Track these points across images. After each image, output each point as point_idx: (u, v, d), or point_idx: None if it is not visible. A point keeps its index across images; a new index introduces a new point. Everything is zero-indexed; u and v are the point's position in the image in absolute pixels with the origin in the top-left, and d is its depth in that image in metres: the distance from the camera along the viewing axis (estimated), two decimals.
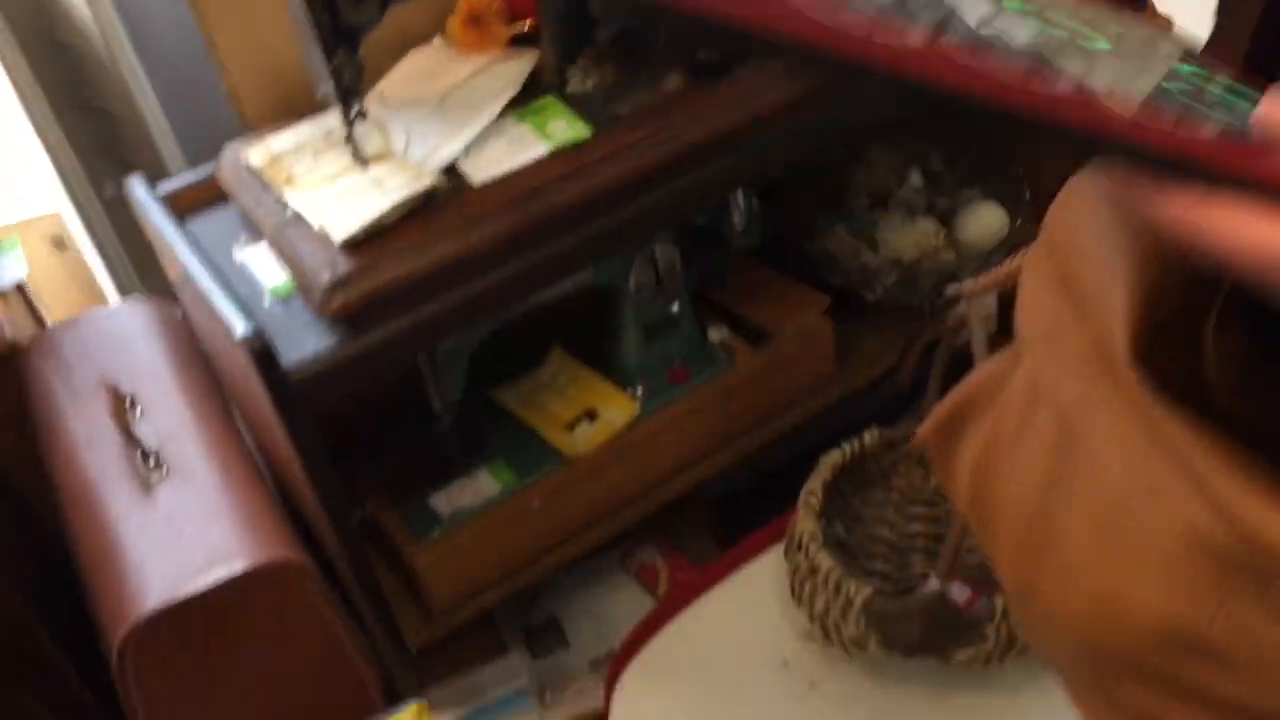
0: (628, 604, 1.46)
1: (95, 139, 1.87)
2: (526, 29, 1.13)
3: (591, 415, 1.28)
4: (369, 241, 0.96)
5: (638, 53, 1.07)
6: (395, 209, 0.96)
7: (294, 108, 1.12)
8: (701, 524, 1.52)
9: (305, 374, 0.93)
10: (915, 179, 1.53)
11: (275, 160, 1.04)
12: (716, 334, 1.35)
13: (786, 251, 1.44)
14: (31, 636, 1.17)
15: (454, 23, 1.13)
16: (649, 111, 1.05)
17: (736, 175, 1.10)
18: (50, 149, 1.82)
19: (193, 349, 1.39)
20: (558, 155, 1.02)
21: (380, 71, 1.15)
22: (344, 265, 0.94)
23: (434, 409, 1.22)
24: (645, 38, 1.05)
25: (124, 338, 1.38)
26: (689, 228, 1.25)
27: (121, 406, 1.23)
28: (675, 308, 1.29)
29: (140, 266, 1.98)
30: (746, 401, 1.34)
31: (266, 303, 1.00)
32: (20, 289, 1.50)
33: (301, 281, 0.97)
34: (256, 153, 1.06)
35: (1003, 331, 0.80)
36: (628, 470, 1.27)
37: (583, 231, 1.01)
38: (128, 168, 1.90)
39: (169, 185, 1.12)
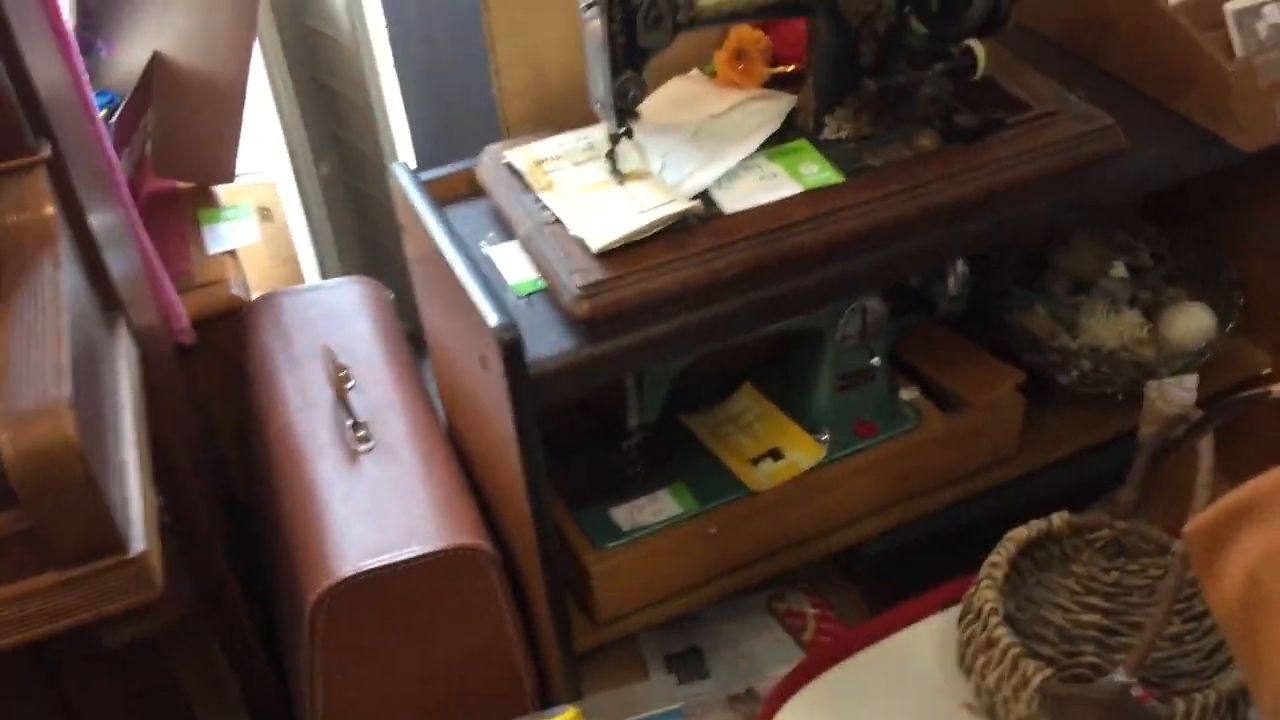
0: (771, 645, 1.46)
1: (323, 118, 1.97)
2: (788, 71, 1.16)
3: (776, 454, 1.30)
4: (622, 253, 0.99)
5: (896, 107, 1.09)
6: (651, 226, 1.00)
7: (551, 119, 1.17)
8: (852, 579, 1.52)
9: (543, 370, 0.97)
10: (1120, 269, 1.52)
11: (537, 164, 1.09)
12: (908, 393, 1.36)
13: (985, 323, 1.44)
14: (227, 589, 1.22)
15: (720, 55, 1.17)
16: (900, 166, 1.07)
17: (972, 242, 1.11)
18: (282, 121, 1.92)
19: (401, 333, 1.45)
20: (809, 196, 1.05)
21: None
22: (597, 273, 0.98)
23: (628, 424, 1.26)
24: (909, 94, 1.07)
25: (341, 312, 1.44)
26: (901, 285, 1.27)
27: (338, 375, 1.29)
28: (874, 361, 1.31)
29: (341, 245, 2.06)
30: (927, 464, 1.35)
31: (509, 299, 1.04)
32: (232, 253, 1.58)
33: (552, 282, 1.01)
34: (519, 155, 1.11)
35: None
36: (804, 512, 1.29)
37: (823, 274, 1.03)
38: (350, 150, 1.99)
39: (427, 174, 1.18)
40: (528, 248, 1.05)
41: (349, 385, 1.30)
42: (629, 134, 1.03)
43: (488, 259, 1.09)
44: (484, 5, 1.12)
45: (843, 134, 1.10)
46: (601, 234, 1.00)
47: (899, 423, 1.34)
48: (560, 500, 1.25)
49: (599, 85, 1.00)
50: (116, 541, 0.82)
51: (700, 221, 1.02)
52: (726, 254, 1.00)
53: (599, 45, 0.97)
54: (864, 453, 1.31)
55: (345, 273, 2.03)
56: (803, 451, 1.30)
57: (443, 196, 1.17)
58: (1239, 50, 1.14)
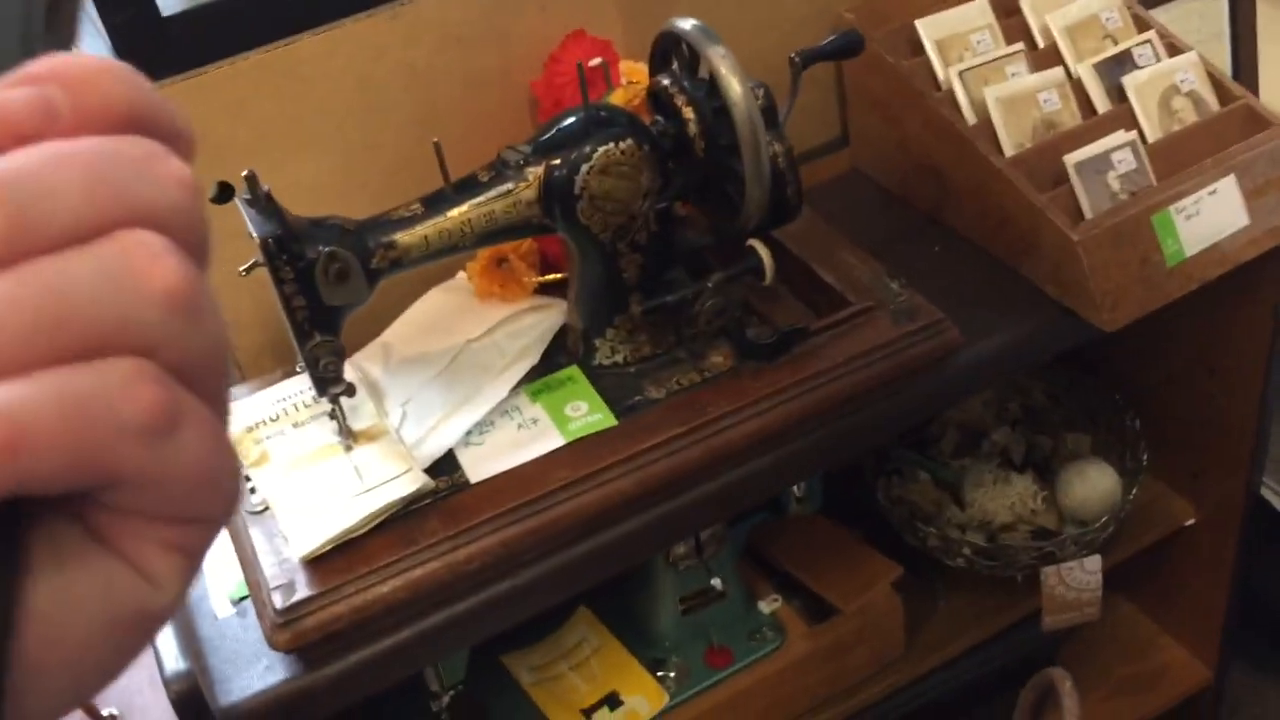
0: None
1: None
2: (559, 277, 0.98)
3: (613, 701, 1.10)
4: (336, 555, 0.80)
5: (678, 322, 0.91)
6: (369, 519, 0.81)
7: (291, 354, 0.98)
8: None
9: (242, 714, 0.78)
10: (1005, 435, 1.33)
11: (249, 431, 0.90)
12: (767, 606, 1.17)
13: (858, 499, 1.26)
14: None
15: (474, 267, 0.98)
16: (686, 397, 0.89)
17: (787, 473, 0.93)
18: None
19: None
20: (573, 450, 0.86)
21: (395, 307, 1.01)
22: (302, 587, 0.79)
23: (429, 687, 1.06)
24: (688, 310, 0.89)
25: None
26: None
27: None
28: (715, 582, 1.12)
29: None
30: (797, 688, 1.15)
31: (223, 605, 0.85)
32: None
33: (255, 595, 0.82)
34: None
35: None
36: None
37: (594, 542, 0.85)
38: None
39: None
40: (234, 541, 0.86)
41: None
42: (349, 394, 0.84)
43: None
44: None
45: (618, 358, 0.91)
46: (309, 534, 0.80)
47: (758, 645, 1.14)
48: None
49: (296, 350, 0.81)
50: None
51: (438, 499, 0.83)
52: (468, 541, 0.81)
53: (281, 308, 0.78)
54: (718, 686, 1.12)
55: None
56: (644, 696, 1.10)
57: None
58: (1088, 211, 0.96)
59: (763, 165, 0.82)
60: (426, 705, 1.09)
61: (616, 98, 0.95)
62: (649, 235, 0.87)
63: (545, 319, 0.96)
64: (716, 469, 0.87)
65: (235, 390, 0.96)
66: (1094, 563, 1.19)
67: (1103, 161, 0.97)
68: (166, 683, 0.76)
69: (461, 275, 1.03)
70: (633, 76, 0.98)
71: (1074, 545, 1.21)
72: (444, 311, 0.99)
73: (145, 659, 0.84)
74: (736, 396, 0.88)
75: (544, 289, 0.99)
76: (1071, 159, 0.96)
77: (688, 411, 0.87)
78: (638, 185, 0.84)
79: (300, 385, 0.94)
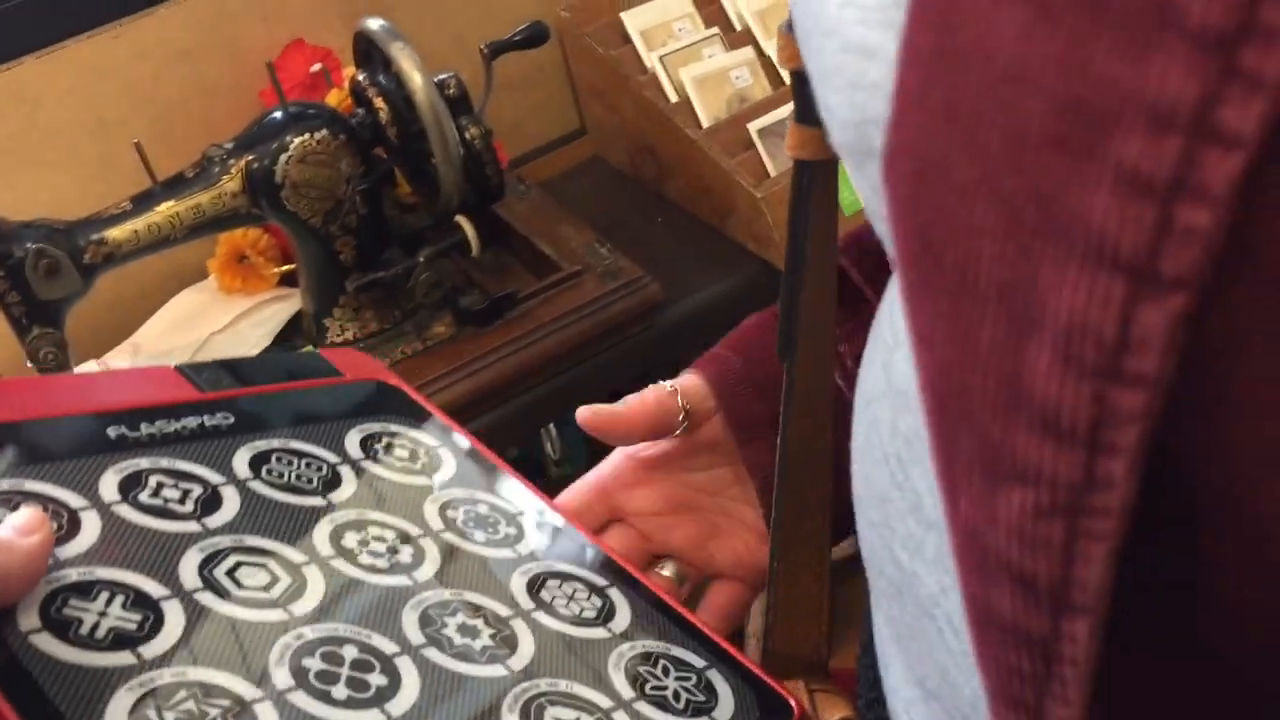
0: None
1: None
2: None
3: None
4: None
5: (400, 297, 0.99)
6: None
7: None
8: None
9: None
10: None
11: None
12: None
13: None
14: None
15: (214, 263, 1.05)
16: (410, 364, 0.97)
17: (516, 430, 1.01)
18: None
19: None
20: None
21: (149, 311, 1.07)
22: None
23: None
24: (403, 284, 0.97)
25: None
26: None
27: None
28: None
29: None
30: None
31: None
32: None
33: None
34: None
35: None
36: None
37: None
38: None
39: None
40: None
41: None
42: None
43: None
44: None
45: (348, 335, 0.99)
46: None
47: None
48: None
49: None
50: None
51: None
52: None
53: None
54: None
55: None
56: None
57: None
58: (773, 170, 1.06)
59: (450, 148, 0.91)
60: None
61: (332, 98, 1.03)
62: (359, 218, 0.95)
63: (284, 307, 1.03)
64: None
65: None
66: None
67: (783, 126, 1.07)
68: None
69: (210, 276, 1.10)
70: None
71: None
72: (191, 309, 1.06)
73: None
74: (452, 359, 0.96)
75: (285, 280, 1.06)
76: (754, 125, 1.06)
77: (407, 378, 0.94)
78: (337, 171, 0.92)
79: None
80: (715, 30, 1.16)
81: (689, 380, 0.55)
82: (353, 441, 0.46)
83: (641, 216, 1.19)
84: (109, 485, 0.38)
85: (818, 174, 0.46)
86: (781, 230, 1.05)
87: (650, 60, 1.15)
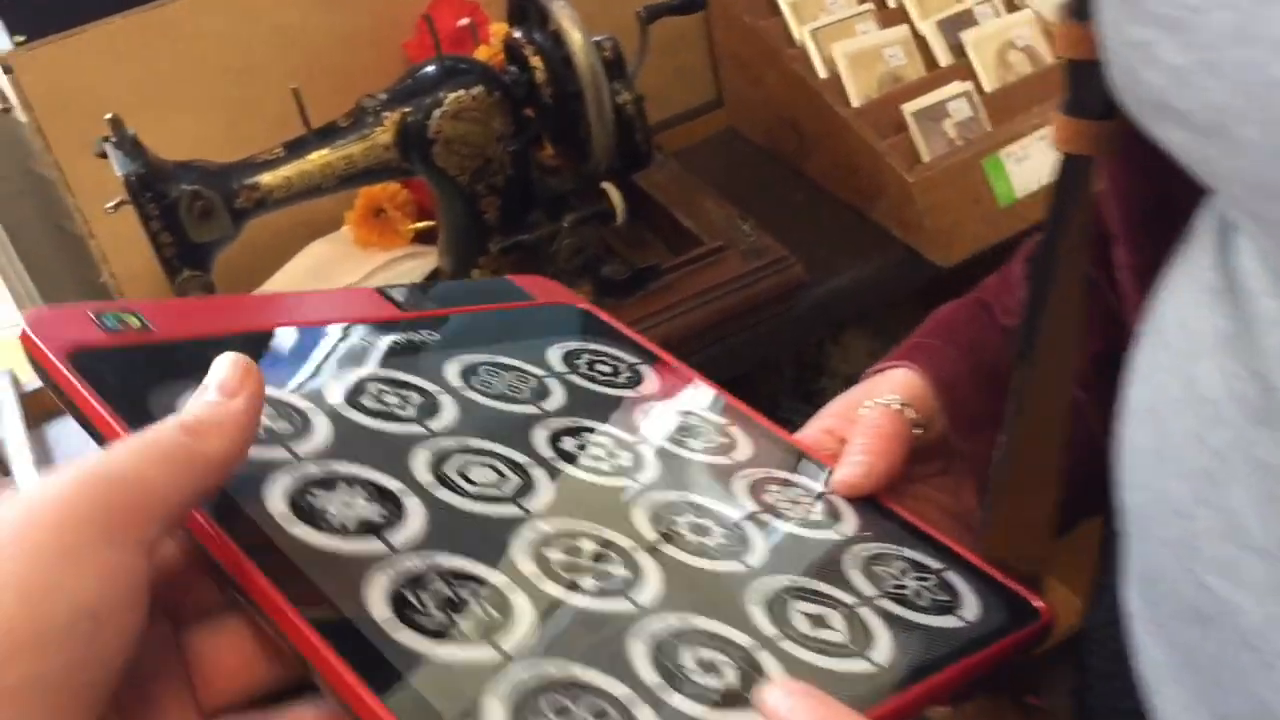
0: None
1: (75, 264, 1.82)
2: (435, 225, 1.03)
3: None
4: None
5: (541, 262, 0.97)
6: None
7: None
8: None
9: None
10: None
11: None
12: None
13: None
14: None
15: (351, 216, 1.04)
16: None
17: None
18: (6, 278, 1.76)
19: None
20: None
21: (281, 260, 1.06)
22: None
23: None
24: (545, 248, 0.95)
25: None
26: None
27: None
28: None
29: None
30: None
31: None
32: None
33: None
34: None
35: None
36: None
37: None
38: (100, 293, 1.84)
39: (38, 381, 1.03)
40: None
41: None
42: None
43: None
44: (68, 192, 0.98)
45: None
46: None
47: None
48: None
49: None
50: None
51: None
52: None
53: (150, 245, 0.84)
54: None
55: None
56: None
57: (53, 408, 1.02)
58: (925, 155, 1.03)
59: (605, 111, 0.89)
60: None
61: (481, 54, 1.01)
62: (506, 178, 0.93)
63: (420, 264, 1.02)
64: None
65: None
66: None
67: (939, 110, 1.03)
68: None
69: (345, 228, 1.08)
70: (501, 36, 1.04)
71: None
72: (324, 260, 1.05)
73: None
74: None
75: (420, 237, 1.05)
76: (909, 108, 1.03)
77: None
78: (490, 129, 0.90)
79: None
80: (869, 5, 1.12)
81: (904, 383, 0.52)
82: (555, 356, 0.47)
83: (777, 193, 1.15)
84: (333, 391, 0.39)
85: (1084, 168, 0.43)
86: (931, 218, 1.01)
87: (800, 33, 1.11)
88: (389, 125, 0.88)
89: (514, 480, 0.38)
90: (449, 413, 0.41)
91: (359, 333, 0.43)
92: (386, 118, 0.88)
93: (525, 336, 0.48)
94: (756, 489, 0.43)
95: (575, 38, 0.88)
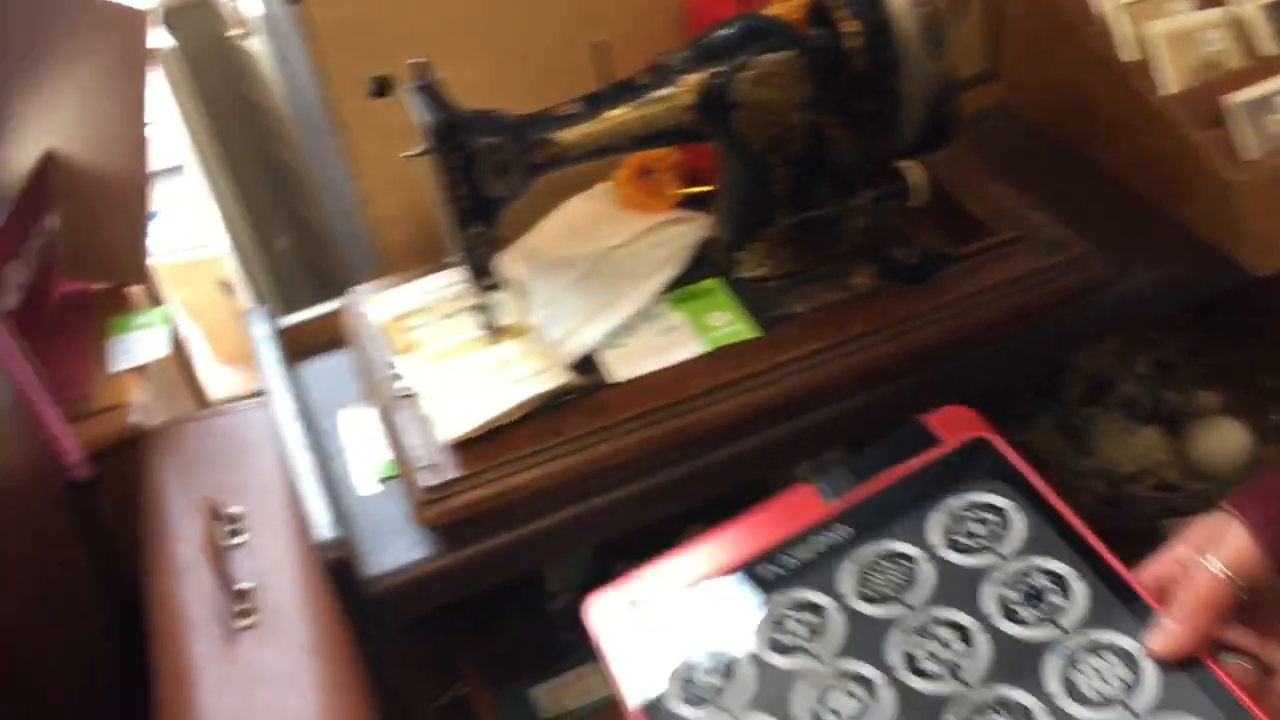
0: None
1: (279, 192, 1.84)
2: (707, 190, 0.99)
3: None
4: (481, 441, 0.83)
5: (824, 240, 0.91)
6: (515, 410, 0.83)
7: (439, 248, 1.01)
8: None
9: (383, 587, 0.81)
10: (1142, 367, 1.31)
11: (398, 319, 0.93)
12: None
13: None
14: None
15: (621, 174, 1.00)
16: (828, 314, 0.89)
17: (924, 398, 0.93)
18: (218, 197, 1.79)
19: None
20: (714, 358, 0.87)
21: (534, 214, 1.03)
22: (449, 469, 0.82)
23: (548, 588, 1.10)
24: (835, 227, 0.89)
25: (247, 445, 1.30)
26: None
27: (217, 536, 1.14)
28: None
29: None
30: None
31: (369, 482, 0.89)
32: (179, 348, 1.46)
33: (403, 473, 0.85)
34: (379, 306, 0.95)
35: None
36: None
37: (730, 450, 0.86)
38: (307, 224, 1.86)
39: (293, 319, 1.02)
40: (383, 423, 0.89)
41: (238, 540, 1.15)
42: (495, 288, 0.87)
43: (350, 430, 0.94)
44: (338, 130, 0.96)
45: (762, 271, 0.92)
46: (455, 419, 0.83)
47: None
48: (485, 673, 1.10)
49: (450, 239, 0.84)
50: None
51: (580, 396, 0.85)
52: (610, 437, 0.83)
53: (440, 196, 0.81)
54: None
55: None
56: None
57: (311, 345, 1.01)
58: (1250, 152, 0.94)
59: (923, 84, 0.82)
60: (542, 605, 1.12)
61: (774, 10, 0.95)
62: (801, 149, 0.87)
63: (689, 231, 0.97)
64: (852, 388, 0.88)
65: (383, 282, 0.99)
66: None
67: (1266, 104, 0.94)
68: (318, 549, 0.80)
69: (600, 185, 1.04)
70: None
71: (1199, 500, 1.19)
72: (585, 218, 1.01)
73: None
74: (879, 316, 0.88)
75: (686, 202, 1.00)
76: (1233, 99, 0.94)
77: (830, 328, 0.88)
78: (794, 97, 0.85)
79: (446, 280, 0.97)
80: None
81: (1237, 548, 0.52)
82: (938, 527, 0.56)
83: (1054, 176, 1.07)
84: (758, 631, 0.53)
85: None
86: (1252, 220, 0.92)
87: (1103, 8, 1.02)
88: (690, 86, 0.83)
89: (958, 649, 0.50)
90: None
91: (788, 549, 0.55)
92: (688, 78, 0.84)
93: (924, 499, 0.56)
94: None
95: (899, 2, 0.82)
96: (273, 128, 1.71)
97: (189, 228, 2.00)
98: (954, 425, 0.60)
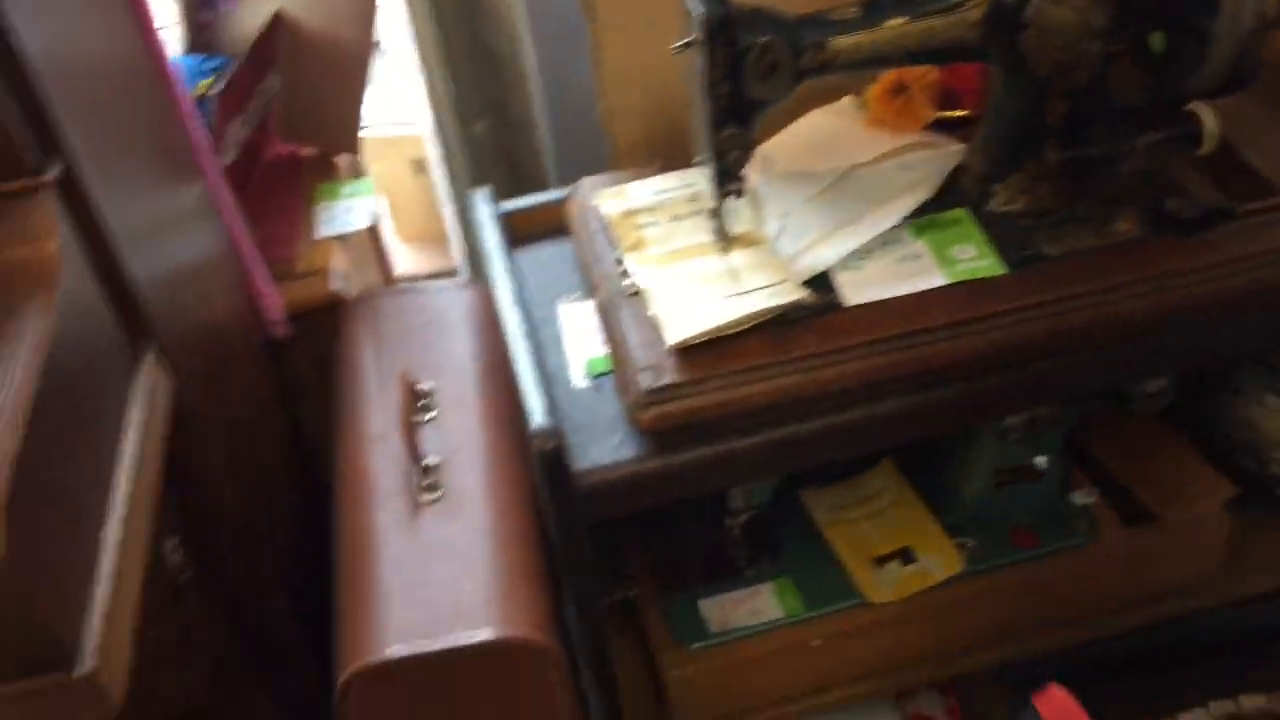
0: None
1: (481, 77, 1.83)
2: (960, 115, 0.93)
3: (907, 556, 1.09)
4: (705, 349, 0.80)
5: (1088, 180, 0.85)
6: (744, 320, 0.80)
7: (669, 149, 0.98)
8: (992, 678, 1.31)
9: (592, 482, 0.80)
10: None
11: (628, 215, 0.90)
12: (1082, 498, 1.12)
13: (1197, 408, 1.18)
14: (286, 634, 1.12)
15: (874, 89, 0.94)
16: (1084, 259, 0.84)
17: (1166, 362, 0.87)
18: (427, 77, 1.78)
19: (504, 349, 1.30)
20: (955, 292, 0.83)
21: (775, 121, 0.99)
22: (668, 374, 0.79)
23: (730, 504, 1.07)
24: (1107, 169, 0.83)
25: (444, 321, 1.30)
26: None
27: (412, 409, 1.15)
28: (1038, 460, 1.07)
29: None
30: (1097, 587, 1.11)
31: (579, 376, 0.88)
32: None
33: (620, 372, 0.83)
34: (611, 200, 0.92)
35: None
36: (932, 630, 1.08)
37: (960, 389, 0.82)
38: (505, 111, 1.85)
39: (516, 203, 1.01)
40: (603, 318, 0.87)
41: (428, 416, 1.16)
42: (738, 194, 0.83)
43: (565, 321, 0.92)
44: (588, 13, 0.93)
45: (1015, 206, 0.87)
46: (683, 323, 0.81)
47: (1067, 534, 1.10)
48: (656, 580, 1.09)
49: (699, 139, 0.80)
50: (58, 657, 0.70)
51: (811, 315, 0.82)
52: (837, 361, 0.80)
53: (699, 93, 0.77)
54: (1016, 566, 1.09)
55: None
56: (939, 558, 1.08)
57: (530, 231, 1.00)
58: None
59: (1242, 20, 0.75)
60: (721, 520, 1.10)
61: None
62: (1085, 80, 0.81)
63: (940, 156, 0.92)
64: (1101, 339, 0.82)
65: (614, 176, 0.97)
66: None
67: None
68: (533, 437, 0.79)
69: (847, 99, 0.99)
70: None
71: None
72: (828, 133, 0.97)
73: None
74: (1142, 268, 0.82)
75: (938, 125, 0.95)
76: None
77: (1086, 274, 0.82)
78: (1089, 22, 0.78)
79: (679, 181, 0.94)
80: None
81: None
82: None
83: None
84: None
85: None
86: None
87: None
88: (981, 1, 0.78)
89: None
90: None
91: None
92: None
93: None
94: None
95: None
96: (489, 12, 1.70)
97: (390, 104, 2.02)
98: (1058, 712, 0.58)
